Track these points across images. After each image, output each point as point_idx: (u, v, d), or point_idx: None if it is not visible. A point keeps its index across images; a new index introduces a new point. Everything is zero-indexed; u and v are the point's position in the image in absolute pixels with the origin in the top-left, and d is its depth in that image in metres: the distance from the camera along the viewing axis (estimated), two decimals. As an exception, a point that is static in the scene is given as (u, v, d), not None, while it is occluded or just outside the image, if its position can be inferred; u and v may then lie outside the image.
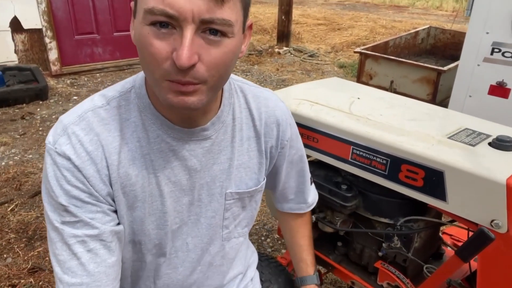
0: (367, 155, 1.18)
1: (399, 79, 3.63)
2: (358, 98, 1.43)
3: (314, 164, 1.40)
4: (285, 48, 6.24)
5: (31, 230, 2.21)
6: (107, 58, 5.08)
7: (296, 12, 8.37)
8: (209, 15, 0.57)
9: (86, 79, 4.78)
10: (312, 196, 1.11)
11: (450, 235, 1.54)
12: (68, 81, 4.65)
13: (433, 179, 1.06)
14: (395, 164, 1.12)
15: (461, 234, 1.51)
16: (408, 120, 1.26)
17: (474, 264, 1.20)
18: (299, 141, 1.02)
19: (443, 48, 4.81)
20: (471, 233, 1.10)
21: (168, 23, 0.58)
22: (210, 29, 0.59)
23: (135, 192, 0.75)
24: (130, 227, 0.78)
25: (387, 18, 10.22)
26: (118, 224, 0.76)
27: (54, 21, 4.50)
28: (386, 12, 11.44)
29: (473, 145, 1.10)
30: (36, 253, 2.04)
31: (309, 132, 1.30)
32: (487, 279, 1.04)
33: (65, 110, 3.90)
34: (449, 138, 1.14)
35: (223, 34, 0.61)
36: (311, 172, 1.34)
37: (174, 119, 0.74)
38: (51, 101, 4.09)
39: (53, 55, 4.55)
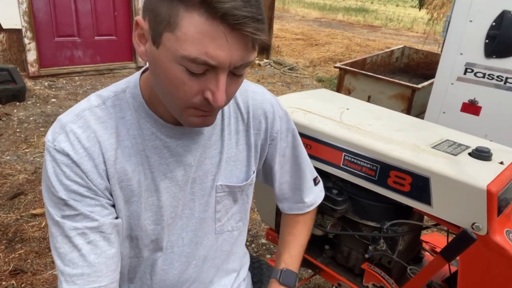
0: (358, 161, 1.25)
1: (376, 95, 3.79)
2: (347, 109, 1.52)
3: (306, 170, 1.46)
4: (265, 60, 6.36)
5: (11, 232, 2.16)
6: (87, 62, 5.02)
7: (275, 26, 8.55)
8: (241, 62, 0.65)
9: (64, 81, 4.71)
10: (312, 196, 1.10)
11: (427, 242, 1.64)
12: (46, 83, 4.56)
13: (420, 185, 1.14)
14: (384, 170, 1.20)
15: (438, 242, 1.61)
16: (396, 130, 1.35)
17: (453, 267, 1.29)
18: (292, 136, 1.02)
19: (416, 67, 5.05)
20: (451, 237, 1.19)
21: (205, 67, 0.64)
22: (236, 69, 0.67)
23: (132, 187, 0.78)
24: (127, 222, 0.81)
25: (362, 36, 10.60)
26: (117, 218, 0.79)
27: (34, 22, 4.42)
28: (360, 31, 11.86)
29: (455, 155, 1.20)
30: (17, 255, 1.99)
31: (303, 138, 1.35)
32: (467, 279, 1.13)
33: (43, 112, 3.82)
34: (433, 147, 1.24)
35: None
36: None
37: (167, 117, 0.78)
38: (29, 102, 4.00)
39: (31, 56, 4.46)
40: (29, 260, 1.98)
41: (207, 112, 0.70)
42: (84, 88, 4.60)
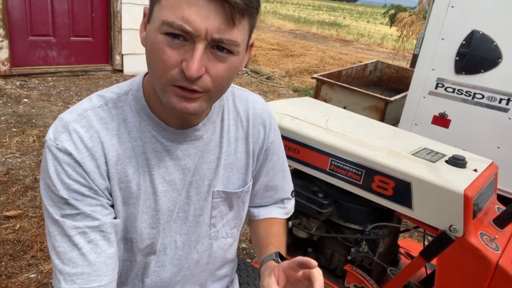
0: (344, 166, 1.31)
1: (351, 106, 3.91)
2: (332, 117, 1.58)
3: (292, 174, 1.51)
4: (243, 69, 6.42)
5: (-17, 233, 2.08)
6: (62, 62, 4.90)
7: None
8: (219, 35, 0.65)
9: (37, 82, 4.58)
10: (290, 206, 1.10)
11: (402, 247, 1.72)
12: (18, 83, 4.42)
13: (402, 189, 1.22)
14: (369, 175, 1.27)
15: (412, 247, 1.69)
16: (378, 138, 1.42)
17: (428, 270, 1.37)
18: (282, 150, 1.04)
19: (388, 81, 5.25)
20: (427, 240, 1.27)
21: (182, 35, 0.65)
22: (218, 46, 0.67)
23: (131, 189, 0.79)
24: (123, 223, 0.81)
25: (335, 50, 10.88)
26: (115, 218, 0.79)
27: (8, 19, 4.29)
28: (333, 44, 12.18)
29: (434, 162, 1.28)
30: None
31: (291, 143, 1.42)
32: (444, 278, 1.21)
33: (15, 112, 3.70)
34: (413, 155, 1.32)
35: (230, 52, 0.68)
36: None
37: (168, 121, 0.79)
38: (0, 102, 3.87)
39: (3, 54, 4.32)
40: (3, 263, 1.91)
41: (187, 93, 0.67)
42: (57, 89, 4.49)
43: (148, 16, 0.70)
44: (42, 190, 0.75)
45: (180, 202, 0.87)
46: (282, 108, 1.58)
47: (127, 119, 0.78)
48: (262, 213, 1.06)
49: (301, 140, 1.39)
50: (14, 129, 3.37)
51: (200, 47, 0.64)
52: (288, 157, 1.44)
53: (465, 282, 1.15)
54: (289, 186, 1.09)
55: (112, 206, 0.79)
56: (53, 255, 0.74)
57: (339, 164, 1.32)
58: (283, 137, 1.42)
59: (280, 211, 1.07)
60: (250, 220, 1.09)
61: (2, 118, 3.54)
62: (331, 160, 1.33)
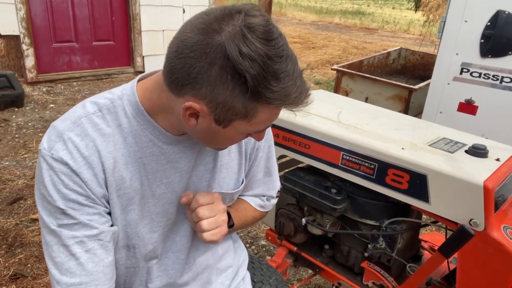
0: (356, 160, 1.26)
1: (373, 96, 3.80)
2: (345, 109, 1.53)
3: (305, 170, 1.48)
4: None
5: (11, 237, 2.16)
6: (85, 67, 5.03)
7: (272, 30, 8.56)
8: None
9: (62, 87, 4.72)
10: (271, 204, 1.11)
11: (426, 241, 1.65)
12: (44, 89, 4.57)
13: (417, 182, 1.15)
14: (382, 169, 1.21)
15: (437, 240, 1.62)
16: (392, 129, 1.36)
17: (452, 265, 1.30)
18: (268, 147, 1.03)
19: (413, 68, 5.07)
20: (449, 234, 1.20)
21: None
22: None
23: (129, 194, 0.78)
24: (123, 231, 0.81)
25: (358, 39, 10.63)
26: (112, 225, 0.79)
27: (32, 28, 4.44)
28: (357, 34, 11.90)
29: (452, 152, 1.21)
30: (17, 260, 2.00)
31: (301, 139, 1.38)
32: (466, 275, 1.14)
33: (41, 118, 3.83)
34: (430, 145, 1.25)
35: None
36: (302, 177, 1.42)
37: (165, 126, 0.78)
38: (27, 108, 4.01)
39: (29, 62, 4.47)
40: (29, 265, 1.98)
41: None
42: (82, 93, 4.61)
43: (218, 120, 0.69)
44: (37, 200, 0.74)
45: (179, 205, 0.86)
46: (293, 103, 1.54)
47: (122, 124, 0.76)
48: (239, 197, 1.06)
49: (312, 134, 1.35)
50: (40, 134, 3.49)
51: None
52: (299, 152, 1.41)
53: (487, 279, 1.09)
54: (274, 184, 1.09)
55: (109, 213, 0.78)
56: (51, 265, 0.74)
57: (351, 158, 1.27)
58: (293, 132, 1.40)
59: (256, 200, 1.07)
60: None
61: (30, 124, 3.67)
62: (343, 154, 1.29)
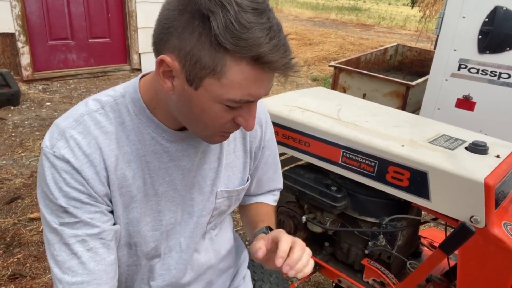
0: (356, 157, 1.26)
1: (371, 92, 3.80)
2: (344, 106, 1.53)
3: (305, 167, 1.47)
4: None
5: (9, 236, 2.14)
6: (81, 65, 4.99)
7: (269, 26, 8.53)
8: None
9: (58, 85, 4.68)
10: (276, 197, 1.13)
11: (425, 237, 1.65)
12: (40, 87, 4.54)
13: (418, 179, 1.15)
14: (383, 166, 1.21)
15: (436, 237, 1.62)
16: (392, 126, 1.36)
17: (452, 261, 1.31)
18: (274, 143, 1.04)
19: (410, 64, 5.07)
20: (449, 231, 1.20)
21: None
22: None
23: (131, 193, 0.78)
24: (125, 229, 0.80)
25: (355, 35, 10.62)
26: (114, 224, 0.78)
27: (27, 25, 4.39)
28: (353, 30, 11.89)
29: (452, 149, 1.21)
30: (16, 259, 1.98)
31: (301, 136, 1.38)
32: (466, 271, 1.14)
33: (38, 116, 3.80)
34: (429, 142, 1.25)
35: None
36: (301, 175, 1.42)
37: (167, 123, 0.78)
38: (23, 106, 3.98)
39: (25, 60, 4.43)
40: (27, 264, 1.97)
41: (231, 132, 0.77)
42: (78, 91, 4.58)
43: (189, 79, 0.65)
44: (39, 198, 0.74)
45: (184, 205, 0.86)
46: (292, 100, 1.54)
47: (124, 122, 0.76)
48: (253, 199, 1.09)
49: (311, 132, 1.35)
50: (37, 133, 3.46)
51: (255, 106, 0.72)
52: (299, 150, 1.40)
53: (488, 275, 1.09)
54: (280, 177, 1.12)
55: (111, 212, 0.77)
56: (52, 263, 0.73)
57: (351, 156, 1.27)
58: (293, 130, 1.39)
59: (270, 197, 1.10)
60: (240, 205, 1.11)
61: (26, 123, 3.64)
62: (343, 152, 1.29)
